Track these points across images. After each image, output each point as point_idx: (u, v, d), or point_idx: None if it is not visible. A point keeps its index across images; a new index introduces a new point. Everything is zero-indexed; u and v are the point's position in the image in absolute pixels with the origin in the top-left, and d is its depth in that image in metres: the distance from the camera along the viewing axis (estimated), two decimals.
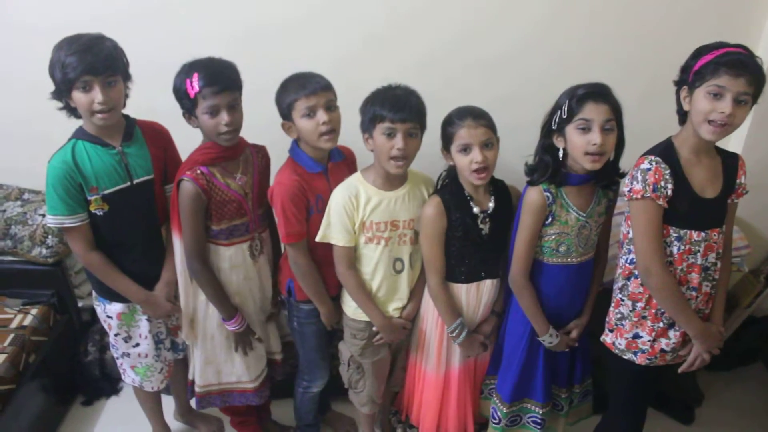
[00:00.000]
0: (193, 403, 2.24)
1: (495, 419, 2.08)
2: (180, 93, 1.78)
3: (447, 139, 1.82)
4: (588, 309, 1.94)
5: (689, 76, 1.61)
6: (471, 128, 1.76)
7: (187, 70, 1.76)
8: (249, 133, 1.92)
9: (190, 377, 2.16)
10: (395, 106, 1.74)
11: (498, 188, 1.91)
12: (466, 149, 1.77)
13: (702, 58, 1.58)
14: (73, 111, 1.79)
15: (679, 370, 1.80)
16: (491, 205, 1.88)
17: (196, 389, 2.13)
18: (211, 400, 2.17)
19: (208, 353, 2.07)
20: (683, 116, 1.68)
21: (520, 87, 2.35)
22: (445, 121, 1.83)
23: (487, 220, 1.87)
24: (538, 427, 2.05)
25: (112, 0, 2.25)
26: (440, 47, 2.33)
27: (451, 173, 1.90)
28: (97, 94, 1.70)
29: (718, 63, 1.53)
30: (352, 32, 2.31)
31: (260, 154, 1.99)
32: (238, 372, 2.12)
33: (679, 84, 1.67)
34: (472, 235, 1.87)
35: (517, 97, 2.29)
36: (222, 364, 2.11)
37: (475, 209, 1.86)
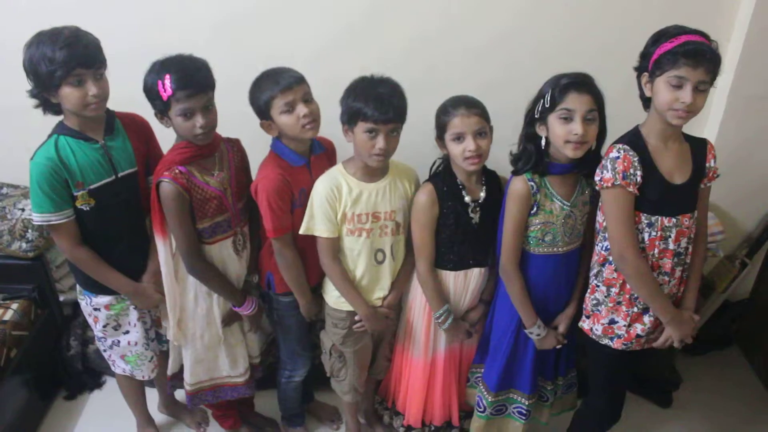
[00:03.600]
0: (180, 396, 2.24)
1: (480, 408, 2.09)
2: (152, 93, 1.73)
3: (441, 128, 1.82)
4: (575, 300, 1.95)
5: (649, 64, 1.63)
6: (464, 117, 1.77)
7: (158, 70, 1.71)
8: (227, 127, 1.90)
9: (169, 373, 2.17)
10: (380, 107, 1.72)
11: (490, 178, 1.93)
12: (459, 138, 1.78)
13: (661, 46, 1.59)
14: (51, 107, 1.76)
15: (649, 345, 1.83)
16: (482, 194, 1.89)
17: (188, 387, 2.13)
18: (203, 397, 2.18)
19: (198, 352, 2.07)
20: (647, 102, 1.69)
21: (502, 75, 2.35)
22: (439, 111, 1.83)
23: (478, 209, 1.89)
24: (523, 417, 2.07)
25: None
26: (421, 35, 2.32)
27: (445, 161, 1.91)
28: (92, 87, 1.68)
29: (677, 53, 1.54)
30: (332, 21, 2.30)
31: (235, 147, 1.97)
32: (227, 368, 2.12)
33: (639, 70, 1.68)
34: (463, 223, 1.88)
35: (498, 85, 2.29)
36: (212, 362, 2.11)
37: (467, 198, 1.87)
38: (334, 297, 2.00)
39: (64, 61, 1.63)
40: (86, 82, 1.68)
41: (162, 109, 1.75)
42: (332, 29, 2.30)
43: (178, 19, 2.26)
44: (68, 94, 1.69)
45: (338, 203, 1.85)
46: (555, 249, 1.85)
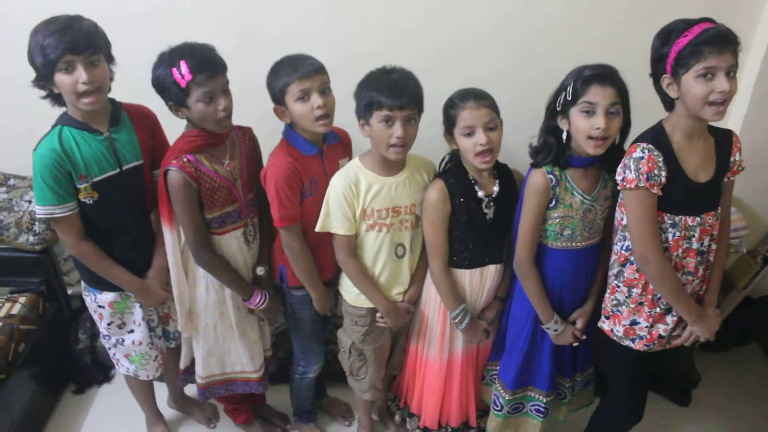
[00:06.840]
0: (190, 392, 2.21)
1: (497, 406, 2.06)
2: (166, 84, 1.68)
3: (449, 123, 1.78)
4: (592, 295, 1.91)
5: (666, 65, 1.56)
6: (473, 110, 1.72)
7: (169, 58, 1.67)
8: (237, 119, 1.86)
9: (182, 366, 2.15)
10: (393, 93, 1.68)
11: (502, 172, 1.88)
12: (469, 132, 1.73)
13: (676, 43, 1.52)
14: (56, 98, 1.73)
15: (672, 344, 1.79)
16: (496, 189, 1.85)
17: (199, 381, 2.11)
18: (215, 390, 2.15)
19: (210, 344, 2.04)
20: (670, 103, 1.63)
21: (510, 63, 2.29)
22: (447, 104, 1.78)
23: (492, 204, 1.85)
24: (541, 415, 2.04)
25: None
26: (428, 18, 2.26)
27: (455, 157, 1.86)
28: (81, 74, 1.64)
29: (699, 44, 1.48)
30: (336, 4, 2.23)
31: (246, 136, 1.93)
32: (243, 362, 2.09)
33: (655, 75, 1.61)
34: (477, 219, 1.84)
35: (505, 75, 2.24)
36: (225, 355, 2.08)
37: (480, 193, 1.83)
38: (353, 294, 1.96)
39: (53, 47, 1.60)
40: (76, 69, 1.64)
41: (179, 99, 1.70)
42: (337, 12, 2.24)
43: (184, 9, 2.22)
44: (60, 82, 1.65)
45: (356, 200, 1.81)
46: (573, 243, 1.81)
